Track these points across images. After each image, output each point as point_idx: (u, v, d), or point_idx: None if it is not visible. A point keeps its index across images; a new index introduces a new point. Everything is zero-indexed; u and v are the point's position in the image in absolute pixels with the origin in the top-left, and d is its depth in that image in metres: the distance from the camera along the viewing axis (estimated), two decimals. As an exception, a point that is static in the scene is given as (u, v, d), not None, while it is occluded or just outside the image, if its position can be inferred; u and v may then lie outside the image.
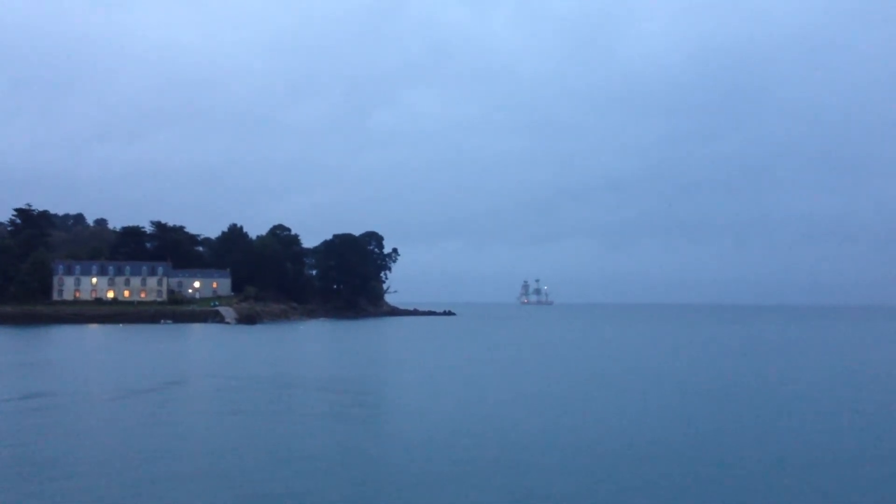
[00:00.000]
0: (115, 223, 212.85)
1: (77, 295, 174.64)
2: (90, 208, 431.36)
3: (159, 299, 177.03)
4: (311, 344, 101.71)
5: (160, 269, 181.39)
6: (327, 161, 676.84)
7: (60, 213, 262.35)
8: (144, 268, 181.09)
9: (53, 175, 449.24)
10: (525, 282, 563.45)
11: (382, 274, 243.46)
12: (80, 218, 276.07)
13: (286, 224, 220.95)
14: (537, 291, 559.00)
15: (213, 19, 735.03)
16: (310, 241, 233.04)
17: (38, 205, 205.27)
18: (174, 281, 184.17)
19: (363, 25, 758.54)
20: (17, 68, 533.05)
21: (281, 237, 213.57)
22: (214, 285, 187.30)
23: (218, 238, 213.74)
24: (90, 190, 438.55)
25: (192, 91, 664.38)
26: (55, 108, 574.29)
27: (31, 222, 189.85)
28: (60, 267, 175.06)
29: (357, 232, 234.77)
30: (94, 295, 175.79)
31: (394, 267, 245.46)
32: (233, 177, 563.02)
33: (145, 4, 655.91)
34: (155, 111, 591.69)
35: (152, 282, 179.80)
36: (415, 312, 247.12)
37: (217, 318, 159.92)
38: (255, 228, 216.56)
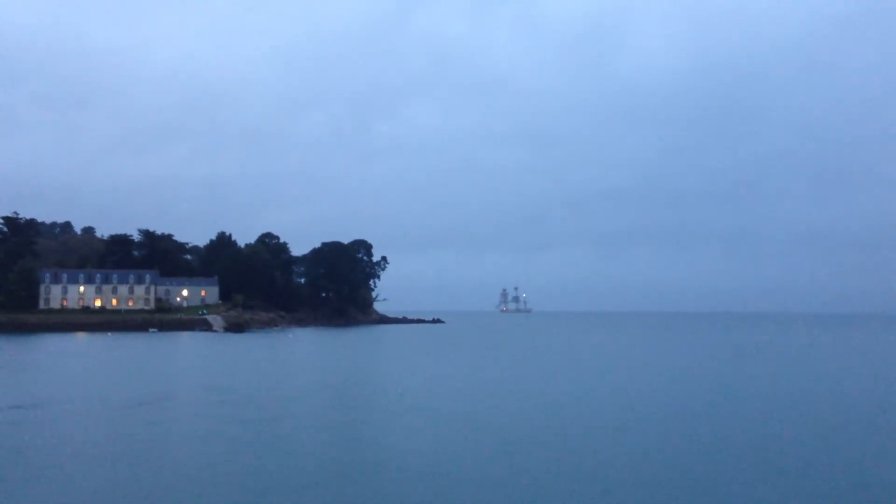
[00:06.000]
0: (113, 232, 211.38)
1: (64, 303, 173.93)
2: (94, 220, 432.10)
3: (147, 308, 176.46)
4: (299, 353, 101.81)
5: (148, 278, 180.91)
6: (330, 172, 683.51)
7: (48, 221, 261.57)
8: (132, 276, 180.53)
9: (64, 187, 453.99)
10: (504, 290, 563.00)
11: (371, 282, 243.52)
12: (67, 226, 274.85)
13: (283, 233, 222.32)
14: (516, 299, 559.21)
15: (219, 35, 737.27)
16: (304, 249, 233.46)
17: (45, 217, 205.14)
18: (162, 289, 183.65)
19: (366, 40, 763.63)
20: (37, 84, 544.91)
21: (269, 245, 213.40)
22: (203, 293, 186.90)
23: (206, 246, 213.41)
24: (96, 201, 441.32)
25: (199, 105, 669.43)
26: (71, 123, 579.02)
27: (18, 231, 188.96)
28: (47, 275, 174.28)
29: (349, 240, 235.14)
30: (81, 303, 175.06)
31: (383, 275, 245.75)
32: (237, 188, 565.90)
33: (155, 20, 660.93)
34: (165, 125, 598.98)
35: (140, 290, 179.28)
36: (404, 321, 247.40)
37: (205, 326, 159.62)
38: (250, 238, 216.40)
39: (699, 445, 33.55)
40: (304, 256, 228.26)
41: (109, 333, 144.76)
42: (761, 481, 27.02)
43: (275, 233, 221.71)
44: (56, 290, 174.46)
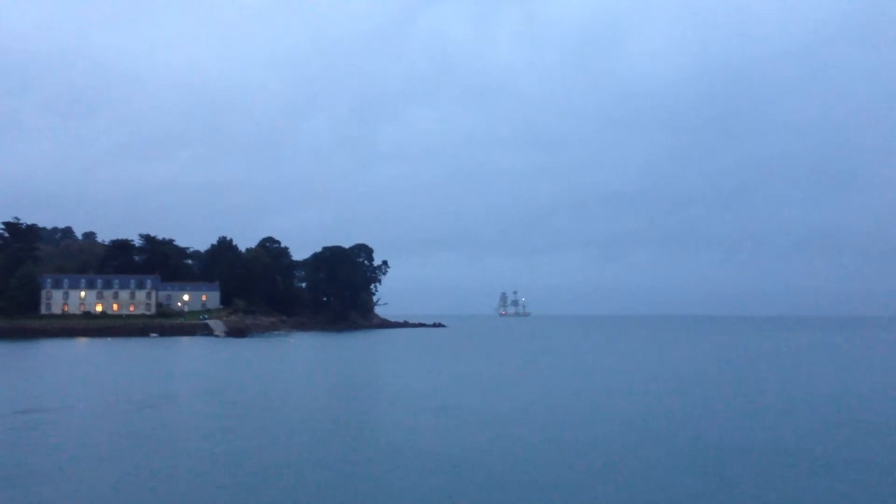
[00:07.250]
0: (114, 238, 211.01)
1: (65, 309, 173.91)
2: (95, 225, 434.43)
3: (148, 312, 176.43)
4: (302, 357, 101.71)
5: (149, 283, 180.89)
6: (333, 176, 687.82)
7: (49, 226, 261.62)
8: (133, 281, 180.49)
9: (65, 192, 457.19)
10: (503, 293, 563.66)
11: (372, 286, 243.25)
12: (68, 231, 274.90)
13: (284, 238, 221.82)
14: (515, 303, 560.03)
15: (222, 41, 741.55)
16: (305, 254, 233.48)
17: (46, 222, 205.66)
18: (163, 294, 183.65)
19: (370, 44, 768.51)
20: (41, 90, 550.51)
21: (270, 250, 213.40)
22: (203, 298, 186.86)
23: (207, 251, 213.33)
24: (98, 207, 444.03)
25: (203, 110, 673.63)
26: (75, 129, 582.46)
27: (19, 236, 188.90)
28: (48, 281, 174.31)
29: (350, 245, 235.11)
30: (82, 309, 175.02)
31: (384, 279, 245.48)
32: (239, 193, 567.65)
33: (159, 27, 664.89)
34: (168, 131, 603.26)
35: (141, 295, 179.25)
36: (405, 325, 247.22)
37: (206, 331, 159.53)
38: (252, 243, 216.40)
39: (704, 445, 33.50)
40: (306, 261, 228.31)
41: (110, 339, 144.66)
42: (769, 482, 26.97)
43: (276, 237, 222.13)
44: (57, 295, 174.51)
